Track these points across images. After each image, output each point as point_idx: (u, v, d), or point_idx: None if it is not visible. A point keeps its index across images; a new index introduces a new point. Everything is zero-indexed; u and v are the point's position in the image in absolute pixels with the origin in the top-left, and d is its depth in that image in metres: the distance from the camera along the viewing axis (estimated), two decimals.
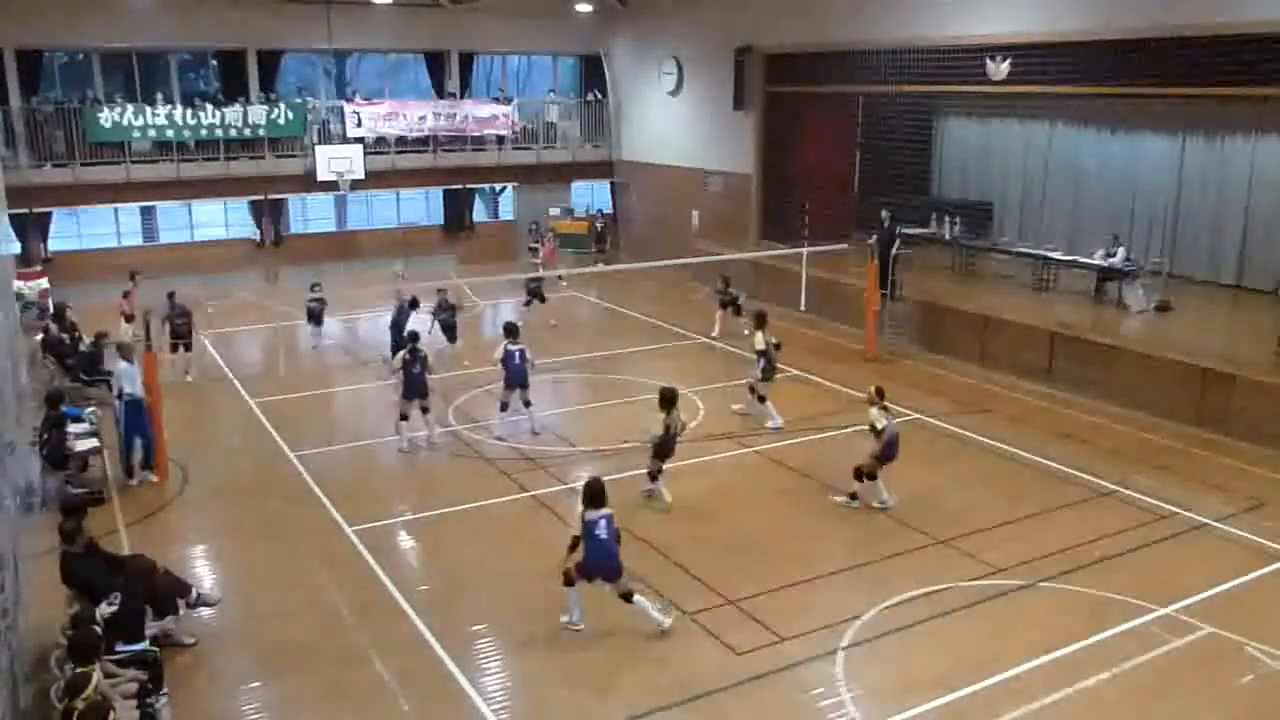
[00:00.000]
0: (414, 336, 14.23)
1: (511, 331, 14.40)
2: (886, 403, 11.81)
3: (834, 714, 8.09)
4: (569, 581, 9.12)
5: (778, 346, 14.67)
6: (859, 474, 11.68)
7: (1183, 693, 8.38)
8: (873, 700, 8.24)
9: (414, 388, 13.83)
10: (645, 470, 12.00)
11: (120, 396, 12.73)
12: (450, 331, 18.05)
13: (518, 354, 14.18)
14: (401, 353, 14.04)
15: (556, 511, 11.88)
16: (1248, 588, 10.07)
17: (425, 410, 14.02)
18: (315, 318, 19.05)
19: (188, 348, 17.11)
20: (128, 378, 12.74)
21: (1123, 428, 14.69)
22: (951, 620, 9.46)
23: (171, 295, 17.11)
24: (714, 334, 19.61)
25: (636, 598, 9.13)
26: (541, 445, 14.13)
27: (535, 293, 20.56)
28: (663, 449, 11.78)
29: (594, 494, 9.06)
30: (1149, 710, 8.19)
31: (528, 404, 14.42)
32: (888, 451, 11.62)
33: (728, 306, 19.68)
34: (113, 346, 14.49)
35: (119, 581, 8.58)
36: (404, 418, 13.91)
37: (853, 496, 11.78)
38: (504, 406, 14.39)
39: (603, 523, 8.94)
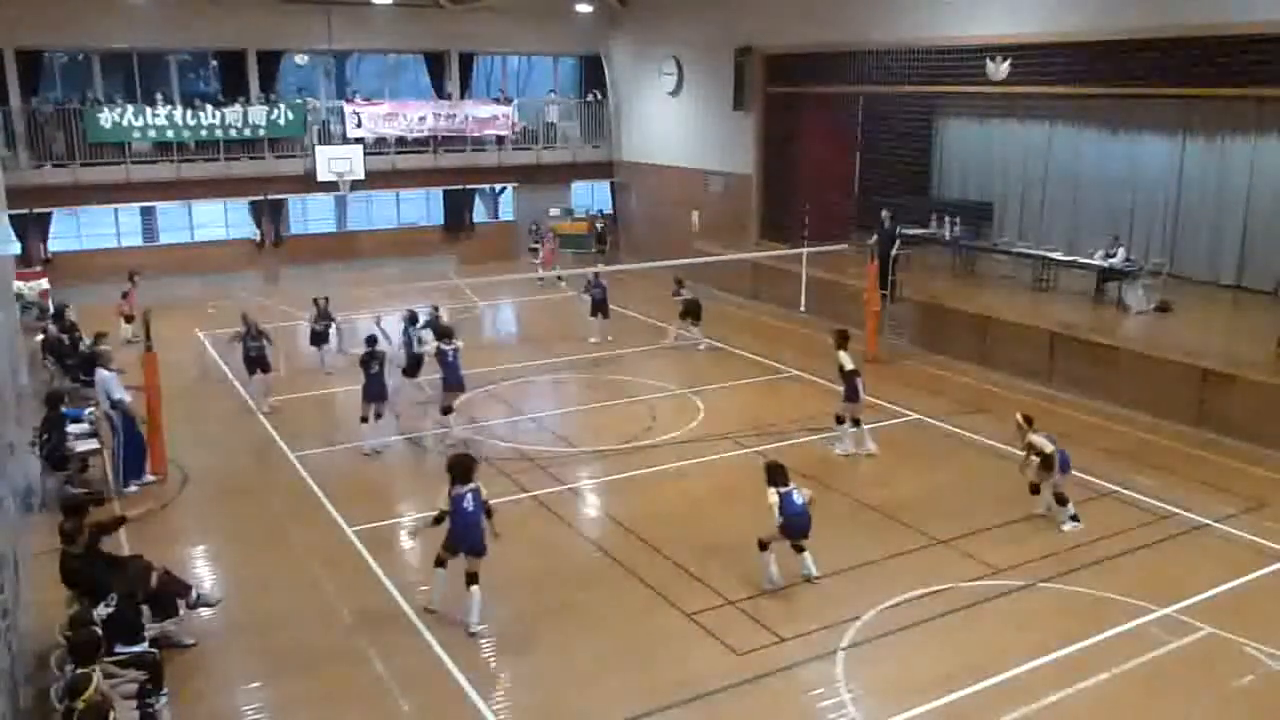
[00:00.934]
0: (372, 340, 13.96)
1: (447, 333, 14.21)
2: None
3: (834, 714, 8.09)
4: (440, 563, 9.38)
5: (855, 373, 13.59)
6: (1059, 499, 11.41)
7: (1182, 693, 8.38)
8: (873, 700, 8.24)
9: (371, 390, 13.70)
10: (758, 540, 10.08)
11: (115, 406, 12.54)
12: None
13: (451, 353, 13.98)
14: (363, 353, 13.89)
15: (556, 512, 11.90)
16: (1248, 588, 10.07)
17: (379, 415, 13.87)
18: (322, 339, 17.78)
19: (265, 369, 15.79)
20: (113, 384, 12.58)
21: (1123, 428, 14.69)
22: (951, 620, 9.46)
23: (245, 316, 16.05)
24: (668, 341, 18.91)
25: (474, 588, 9.21)
26: (541, 445, 14.13)
27: (601, 305, 19.46)
28: (790, 528, 9.90)
29: (460, 469, 9.27)
30: (1149, 710, 8.19)
31: (447, 411, 13.99)
32: (1064, 468, 11.41)
33: (687, 316, 18.79)
34: (104, 351, 14.14)
35: (117, 583, 8.58)
36: (364, 420, 13.83)
37: (1074, 518, 11.38)
38: (446, 410, 14.15)
39: (469, 497, 9.16)
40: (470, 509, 9.15)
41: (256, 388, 15.87)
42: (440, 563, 9.41)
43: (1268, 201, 18.22)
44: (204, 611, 9.56)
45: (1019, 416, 11.78)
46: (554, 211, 28.45)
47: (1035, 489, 11.63)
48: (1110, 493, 12.39)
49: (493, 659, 8.97)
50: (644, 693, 8.32)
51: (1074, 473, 12.83)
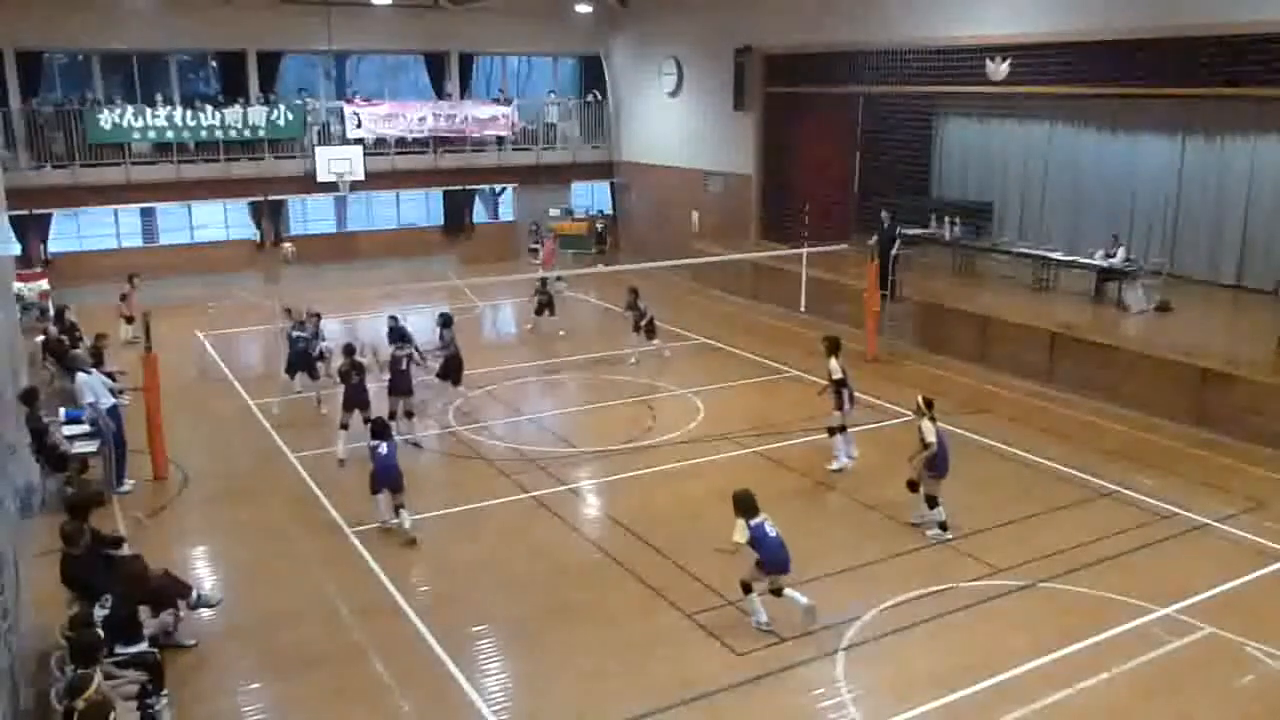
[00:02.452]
0: (350, 350, 13.71)
1: (349, 351, 13.80)
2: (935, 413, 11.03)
3: (834, 714, 8.09)
4: (375, 491, 11.37)
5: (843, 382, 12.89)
6: (930, 501, 10.99)
7: (1183, 693, 8.37)
8: (873, 700, 8.24)
9: (352, 398, 13.52)
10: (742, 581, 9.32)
11: (95, 407, 12.45)
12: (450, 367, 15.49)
13: (404, 360, 13.90)
14: (340, 362, 13.75)
15: (556, 512, 11.90)
16: (1248, 588, 10.07)
17: (366, 421, 13.45)
18: (318, 358, 15.71)
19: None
20: (89, 388, 12.47)
21: (1122, 428, 14.69)
22: (951, 620, 9.46)
23: (393, 319, 15.87)
24: (633, 360, 18.00)
25: (403, 512, 11.14)
26: (541, 445, 14.13)
27: (547, 303, 20.07)
28: (769, 564, 9.11)
29: (377, 427, 11.56)
30: (1149, 710, 8.18)
31: (368, 421, 13.41)
32: (939, 465, 10.98)
33: (640, 329, 17.92)
34: (78, 355, 14.04)
35: (117, 583, 8.57)
36: (343, 427, 13.62)
37: (943, 526, 10.99)
38: (391, 416, 13.70)
39: (384, 446, 11.24)
40: (384, 453, 11.18)
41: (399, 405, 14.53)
42: (375, 491, 11.37)
43: (1268, 201, 18.23)
44: (204, 612, 9.55)
45: (919, 399, 11.12)
46: (554, 212, 28.45)
47: (914, 486, 11.09)
48: (1110, 493, 12.38)
49: (493, 659, 8.98)
50: (644, 693, 8.32)
51: (1074, 472, 12.91)
